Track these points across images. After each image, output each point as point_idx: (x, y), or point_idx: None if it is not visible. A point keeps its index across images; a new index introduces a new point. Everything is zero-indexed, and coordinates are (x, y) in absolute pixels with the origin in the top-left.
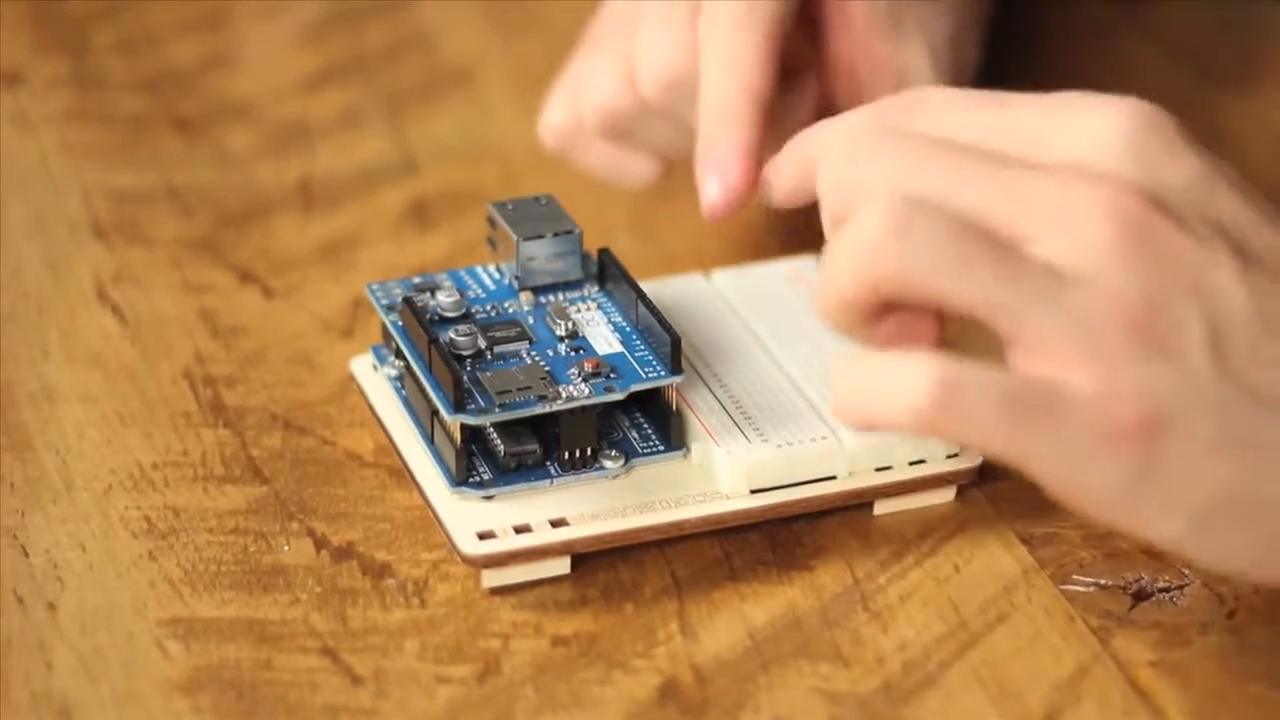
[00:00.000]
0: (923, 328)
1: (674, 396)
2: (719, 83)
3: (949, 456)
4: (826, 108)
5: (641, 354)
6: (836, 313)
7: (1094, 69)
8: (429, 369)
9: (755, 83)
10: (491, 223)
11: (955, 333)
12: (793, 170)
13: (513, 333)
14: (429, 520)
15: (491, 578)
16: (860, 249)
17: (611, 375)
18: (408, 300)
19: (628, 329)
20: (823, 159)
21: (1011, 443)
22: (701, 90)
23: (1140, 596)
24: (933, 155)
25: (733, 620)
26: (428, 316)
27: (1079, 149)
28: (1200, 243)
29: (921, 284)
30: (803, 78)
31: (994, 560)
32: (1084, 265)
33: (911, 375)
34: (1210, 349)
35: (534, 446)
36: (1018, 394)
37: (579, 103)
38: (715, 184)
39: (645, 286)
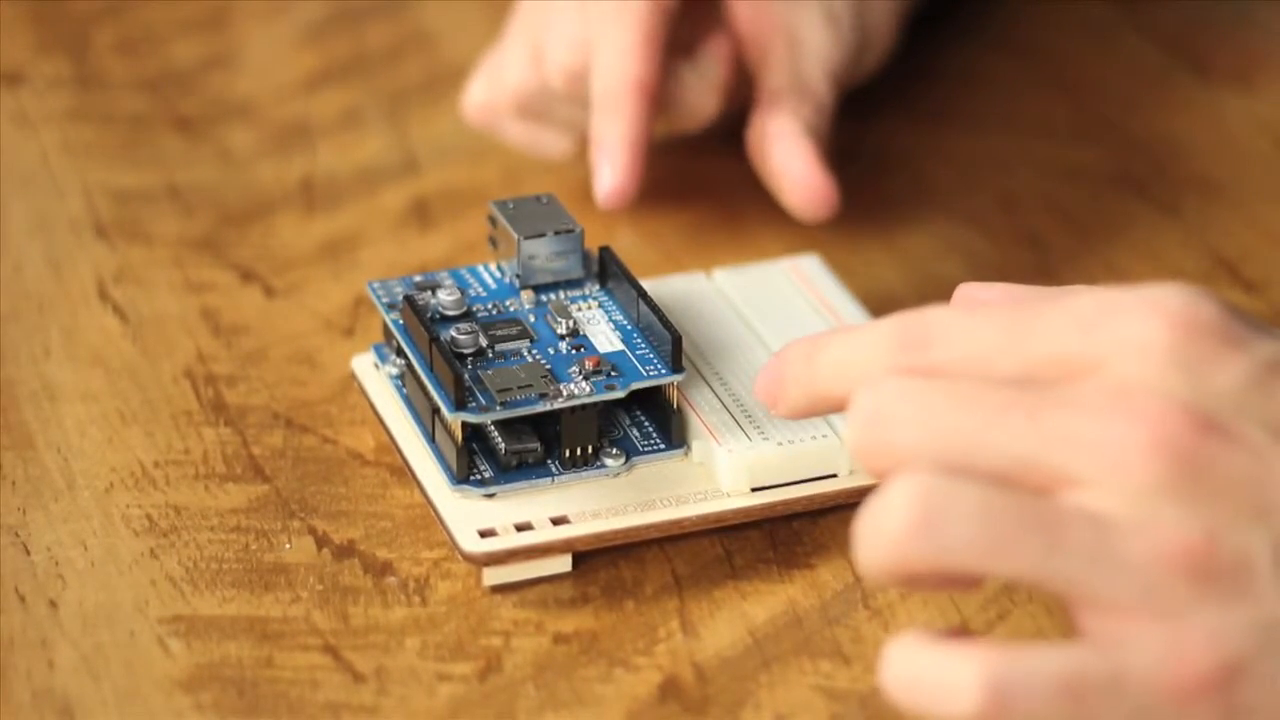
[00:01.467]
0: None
1: (675, 395)
2: (606, 75)
3: None
4: (737, 70)
5: (642, 352)
6: (877, 579)
7: (1094, 68)
8: (430, 367)
9: (639, 72)
10: (492, 221)
11: None
12: (801, 393)
13: (514, 331)
14: (430, 518)
15: (492, 576)
16: (891, 539)
17: (612, 373)
18: (409, 299)
19: (629, 327)
20: (850, 419)
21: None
22: (592, 83)
23: None
24: (959, 408)
25: (734, 618)
26: (429, 315)
27: (1116, 364)
28: (1258, 457)
29: (961, 565)
30: (714, 43)
31: None
32: (1135, 510)
33: (964, 675)
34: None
35: (535, 444)
36: (1076, 679)
37: (496, 85)
38: (607, 173)
39: (646, 285)
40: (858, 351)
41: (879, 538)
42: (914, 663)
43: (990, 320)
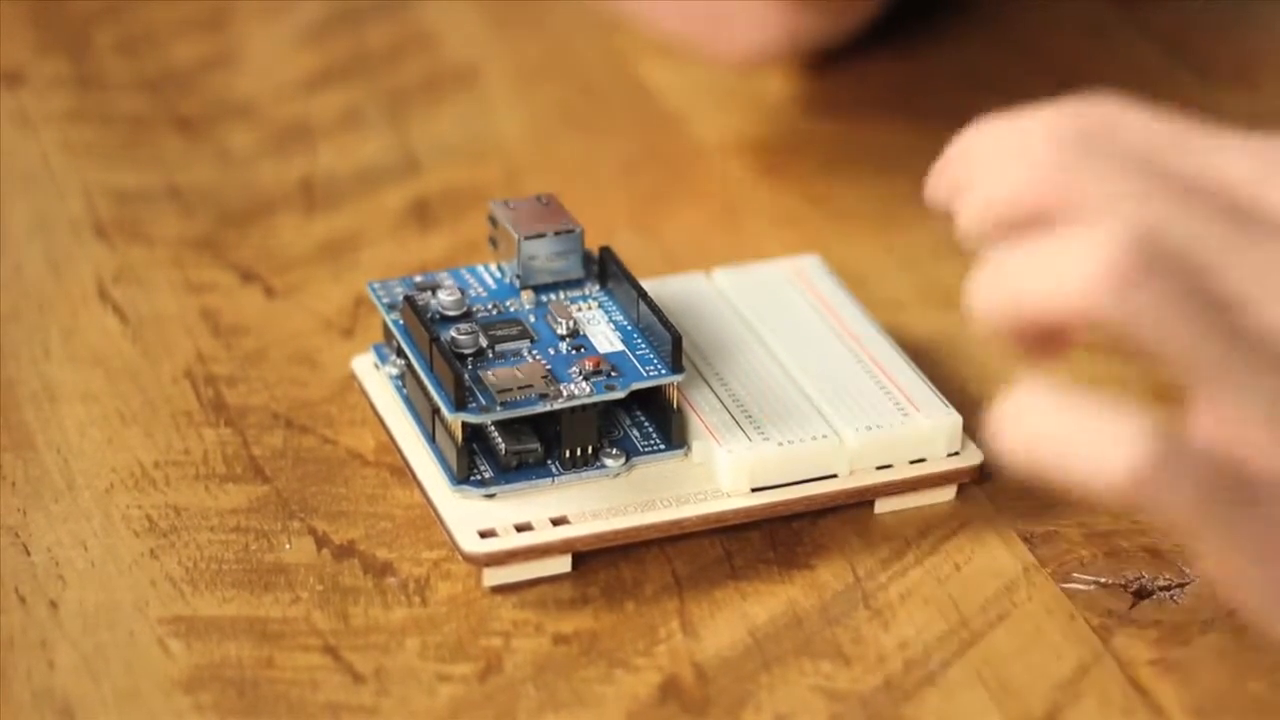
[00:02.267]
0: (1060, 342)
1: (675, 395)
2: None
3: (950, 455)
4: None
5: (642, 352)
6: (986, 314)
7: (1094, 68)
8: (430, 367)
9: None
10: (493, 221)
11: None
12: (954, 169)
13: (514, 331)
14: (430, 519)
15: (492, 576)
16: (1073, 279)
17: (613, 374)
18: (409, 299)
19: (629, 327)
20: (1028, 145)
21: (1208, 528)
22: None
23: (1141, 595)
24: (1170, 191)
25: (734, 618)
26: (429, 315)
27: None
28: None
29: (1134, 333)
30: None
31: (995, 558)
32: None
33: (1122, 441)
34: None
35: (535, 445)
36: (1227, 479)
37: None
38: None
39: (646, 285)
40: (1039, 119)
41: (1056, 272)
42: (1051, 419)
43: (1174, 128)
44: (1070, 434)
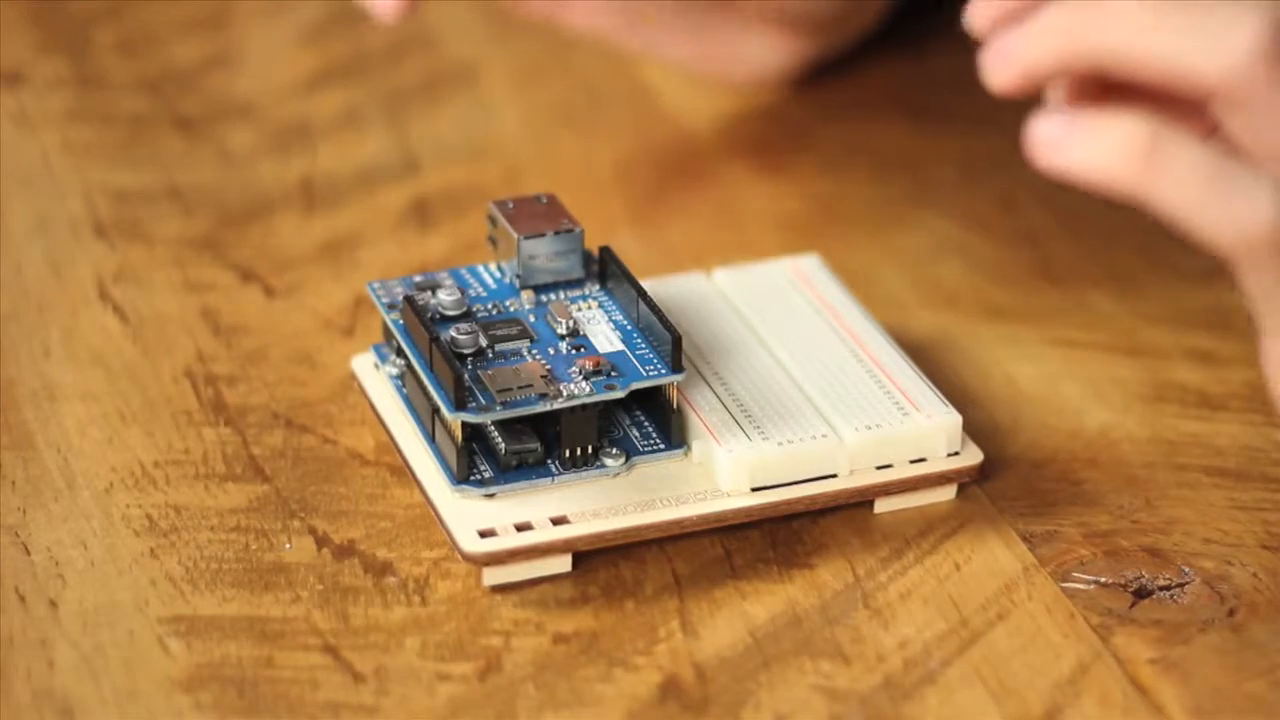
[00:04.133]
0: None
1: (675, 395)
2: None
3: (950, 455)
4: None
5: (642, 352)
6: (1032, 48)
7: None
8: (430, 367)
9: None
10: (492, 221)
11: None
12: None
13: (514, 331)
14: (430, 518)
15: (492, 575)
16: (1226, 49)
17: (612, 373)
18: (409, 299)
19: (629, 327)
20: None
21: (1204, 205)
22: None
23: (1141, 594)
24: None
25: (733, 618)
26: (429, 315)
27: None
28: None
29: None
30: None
31: (994, 558)
32: None
33: (1123, 124)
34: None
35: (535, 445)
36: (1222, 169)
37: None
38: None
39: (646, 285)
40: None
41: (1215, 33)
42: (1067, 122)
43: None
44: (1075, 132)
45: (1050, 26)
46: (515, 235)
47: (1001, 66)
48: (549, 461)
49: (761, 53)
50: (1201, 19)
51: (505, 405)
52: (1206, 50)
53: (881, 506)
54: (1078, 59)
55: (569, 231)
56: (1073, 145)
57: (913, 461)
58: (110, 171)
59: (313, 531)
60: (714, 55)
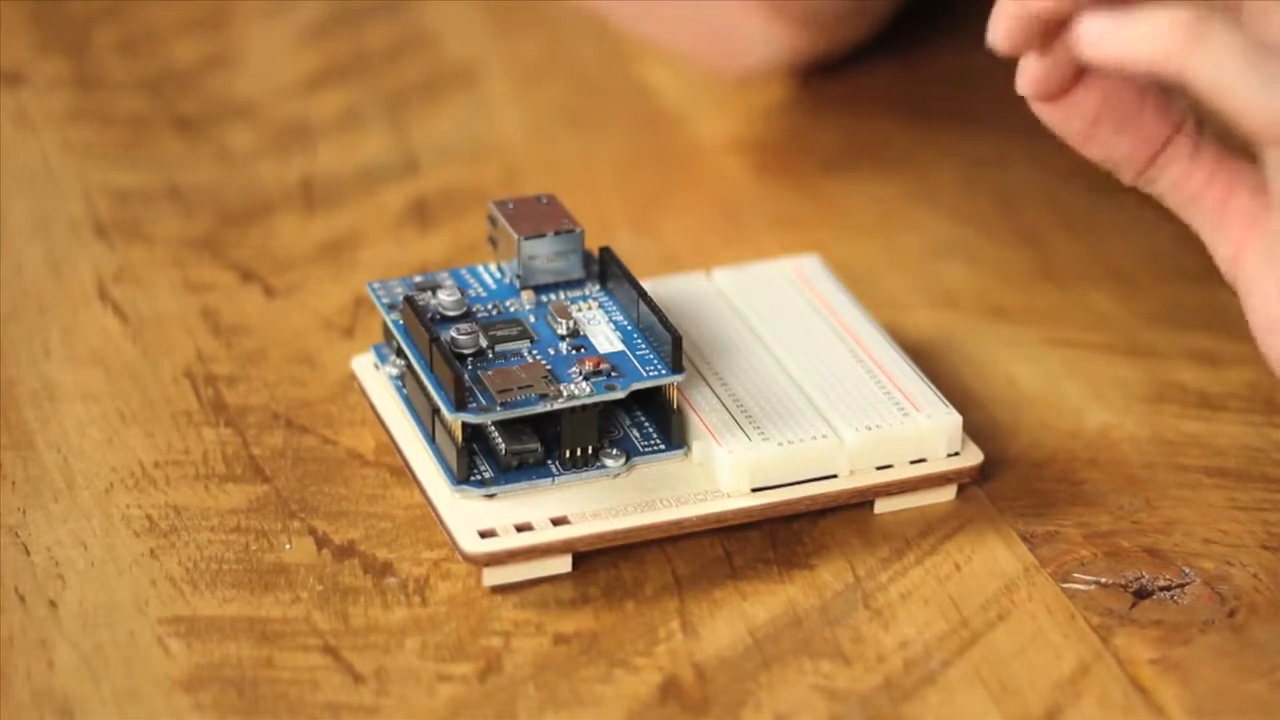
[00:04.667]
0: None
1: (675, 395)
2: None
3: (950, 455)
4: None
5: (643, 353)
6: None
7: None
8: (430, 368)
9: None
10: (492, 221)
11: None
12: None
13: (514, 331)
14: (430, 519)
15: (493, 576)
16: None
17: (613, 374)
18: (409, 299)
19: (629, 327)
20: None
21: (1241, 84)
22: None
23: (1141, 595)
24: None
25: (734, 618)
26: (429, 315)
27: None
28: None
29: None
30: None
31: (995, 558)
32: None
33: (1170, 9)
34: None
35: (535, 445)
36: (1261, 53)
37: None
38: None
39: (646, 285)
40: None
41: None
42: (1113, 16)
43: None
44: (1121, 23)
45: (1153, 35)
46: (515, 235)
47: (1097, 45)
48: (549, 462)
49: (760, 45)
50: None
51: (505, 406)
52: None
53: (881, 507)
54: (1166, 74)
55: (569, 232)
56: (1118, 33)
57: (913, 462)
58: (110, 171)
59: (313, 532)
60: (713, 45)
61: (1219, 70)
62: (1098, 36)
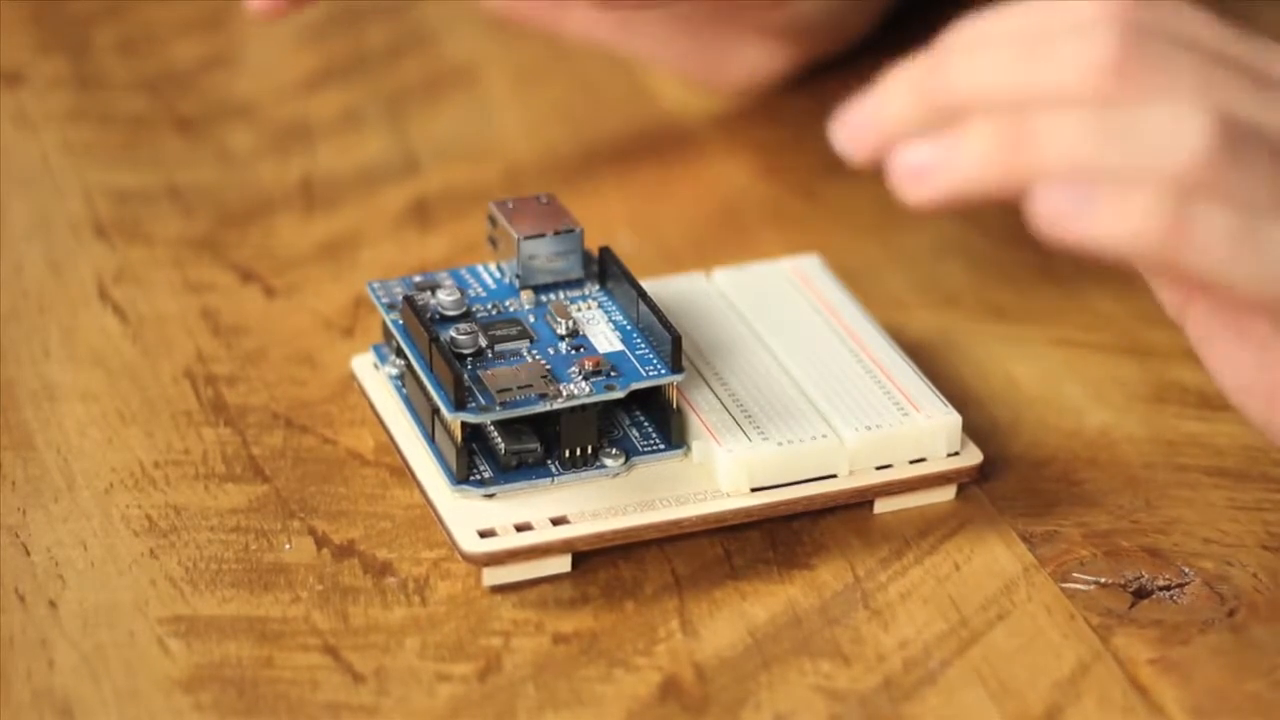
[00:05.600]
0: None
1: (675, 395)
2: None
3: (950, 455)
4: None
5: (642, 352)
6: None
7: None
8: (430, 367)
9: None
10: (492, 221)
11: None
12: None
13: (513, 331)
14: (430, 518)
15: (492, 576)
16: (1175, 150)
17: (612, 374)
18: (409, 299)
19: (628, 327)
20: (1097, 16)
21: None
22: None
23: (1141, 595)
24: (1233, 72)
25: (733, 618)
26: (429, 315)
27: None
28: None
29: (1227, 195)
30: None
31: (994, 558)
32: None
33: (1145, 195)
34: None
35: (535, 445)
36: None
37: None
38: None
39: (646, 285)
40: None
41: (1146, 145)
42: (1077, 193)
43: (1207, 16)
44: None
45: (978, 152)
46: (515, 235)
47: (916, 186)
48: (549, 461)
49: (756, 59)
50: (1146, 129)
51: (505, 405)
52: (1158, 155)
53: (881, 507)
54: (1009, 184)
55: (569, 231)
56: (1084, 216)
57: (912, 462)
58: (110, 171)
59: (312, 532)
60: (710, 62)
61: (1207, 256)
62: (1060, 218)
